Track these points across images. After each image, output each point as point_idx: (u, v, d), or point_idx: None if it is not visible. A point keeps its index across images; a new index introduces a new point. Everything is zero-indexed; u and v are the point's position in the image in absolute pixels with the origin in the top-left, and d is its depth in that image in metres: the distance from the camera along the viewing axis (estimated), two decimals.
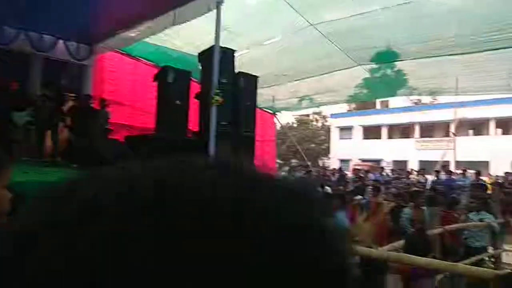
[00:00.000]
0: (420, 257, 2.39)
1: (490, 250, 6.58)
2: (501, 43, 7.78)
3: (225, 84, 6.86)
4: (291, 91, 12.43)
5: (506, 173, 14.60)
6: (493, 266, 6.10)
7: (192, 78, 8.12)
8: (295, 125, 41.72)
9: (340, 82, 11.65)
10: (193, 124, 7.97)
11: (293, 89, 12.18)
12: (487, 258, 6.20)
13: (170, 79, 7.50)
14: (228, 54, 7.33)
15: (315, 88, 11.97)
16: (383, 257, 2.46)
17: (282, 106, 14.63)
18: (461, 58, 8.77)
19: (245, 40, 9.19)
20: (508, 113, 27.96)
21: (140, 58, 10.79)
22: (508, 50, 7.87)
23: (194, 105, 7.85)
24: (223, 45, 6.69)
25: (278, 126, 22.80)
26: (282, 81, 11.22)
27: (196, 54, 7.79)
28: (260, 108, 13.23)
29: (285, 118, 32.78)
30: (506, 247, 7.79)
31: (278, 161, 38.24)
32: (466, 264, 5.29)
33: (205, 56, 7.12)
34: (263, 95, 12.30)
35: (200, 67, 7.59)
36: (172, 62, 8.54)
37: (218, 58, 6.24)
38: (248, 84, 7.49)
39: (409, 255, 2.61)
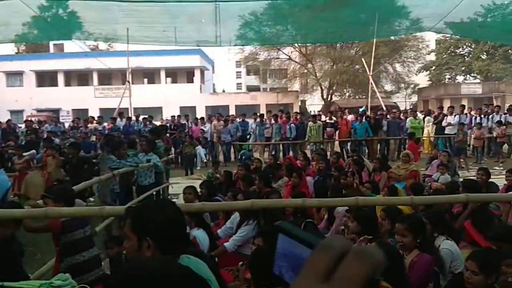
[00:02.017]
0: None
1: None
2: None
3: None
4: None
5: (172, 116, 16.67)
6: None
7: None
8: None
9: None
10: None
11: None
12: (155, 193, 7.01)
13: None
14: None
15: None
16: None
17: None
18: (128, 6, 8.96)
19: None
20: (175, 63, 32.05)
21: None
22: (167, 5, 8.67)
23: None
24: None
25: None
26: None
27: None
28: None
29: None
30: (171, 180, 9.17)
31: None
32: (135, 201, 5.84)
33: None
34: None
35: None
36: None
37: None
38: None
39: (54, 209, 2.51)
